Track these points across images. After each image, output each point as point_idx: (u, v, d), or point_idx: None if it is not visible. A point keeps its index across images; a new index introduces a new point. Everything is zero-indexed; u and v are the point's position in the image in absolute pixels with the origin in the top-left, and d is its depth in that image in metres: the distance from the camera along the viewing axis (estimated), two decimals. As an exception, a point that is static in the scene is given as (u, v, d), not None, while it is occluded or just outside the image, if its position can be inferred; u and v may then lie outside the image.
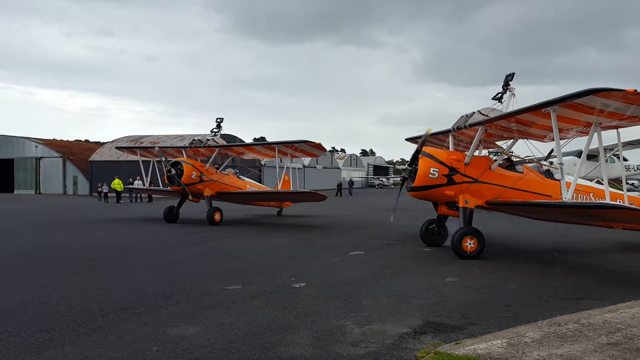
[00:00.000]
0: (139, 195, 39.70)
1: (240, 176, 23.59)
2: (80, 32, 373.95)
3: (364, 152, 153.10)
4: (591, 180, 18.27)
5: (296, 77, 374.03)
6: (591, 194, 13.45)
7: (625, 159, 36.48)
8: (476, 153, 13.39)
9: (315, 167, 71.36)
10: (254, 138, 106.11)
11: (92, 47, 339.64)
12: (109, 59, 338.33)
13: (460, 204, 12.59)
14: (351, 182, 57.99)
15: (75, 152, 56.51)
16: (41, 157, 54.63)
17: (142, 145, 35.66)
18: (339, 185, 54.47)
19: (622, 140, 11.71)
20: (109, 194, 40.27)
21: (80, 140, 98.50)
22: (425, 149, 13.08)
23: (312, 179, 63.53)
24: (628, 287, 9.15)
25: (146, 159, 24.62)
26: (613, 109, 9.78)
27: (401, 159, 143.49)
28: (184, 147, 22.72)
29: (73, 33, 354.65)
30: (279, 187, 22.78)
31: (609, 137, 11.49)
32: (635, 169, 38.02)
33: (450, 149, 13.96)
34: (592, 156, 26.11)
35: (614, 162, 26.36)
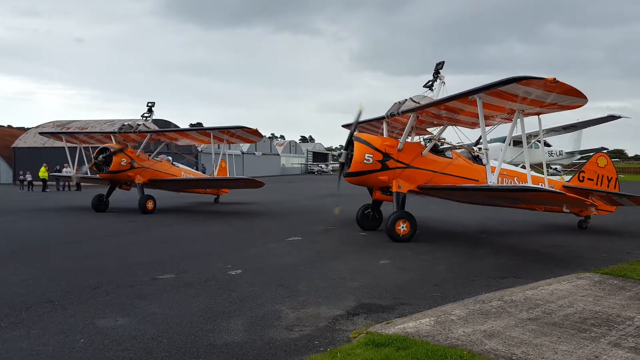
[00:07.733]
0: (67, 183, 37.90)
1: (174, 163, 22.99)
2: (1, 11, 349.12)
3: (304, 139, 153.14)
4: (517, 165, 19.22)
5: (234, 63, 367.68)
6: (515, 178, 14.16)
7: (548, 145, 38.57)
8: (409, 139, 13.74)
9: (254, 153, 70.64)
10: (191, 124, 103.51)
11: (16, 28, 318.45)
12: (35, 40, 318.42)
13: (394, 189, 12.92)
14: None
15: (-4, 139, 53.02)
16: (-42, 144, 50.85)
17: (69, 130, 33.94)
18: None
19: (544, 127, 12.37)
20: (34, 182, 38.13)
21: (3, 126, 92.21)
22: (360, 135, 13.30)
23: (251, 166, 62.87)
24: (548, 266, 9.76)
25: (72, 145, 23.45)
26: (534, 97, 10.31)
27: (340, 145, 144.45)
28: (113, 133, 21.83)
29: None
30: (215, 173, 22.38)
31: (533, 124, 12.09)
32: (558, 154, 40.36)
33: (384, 136, 14.25)
34: (518, 142, 27.45)
35: (538, 147, 27.73)
